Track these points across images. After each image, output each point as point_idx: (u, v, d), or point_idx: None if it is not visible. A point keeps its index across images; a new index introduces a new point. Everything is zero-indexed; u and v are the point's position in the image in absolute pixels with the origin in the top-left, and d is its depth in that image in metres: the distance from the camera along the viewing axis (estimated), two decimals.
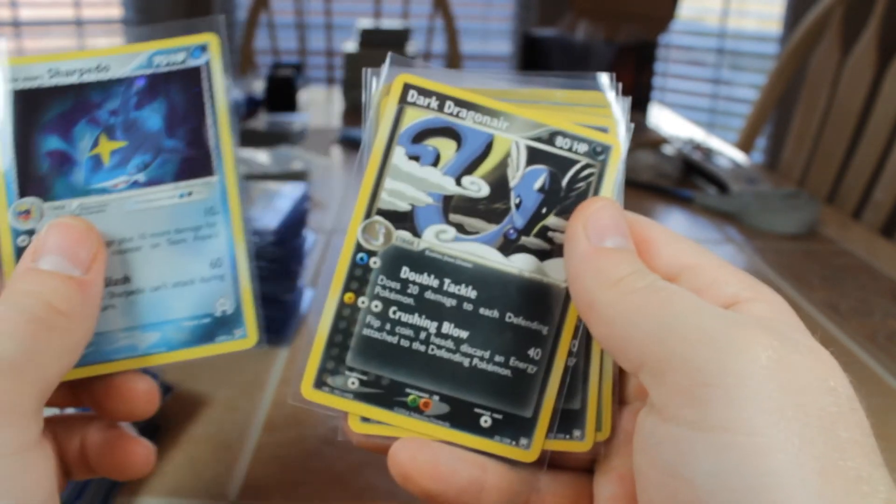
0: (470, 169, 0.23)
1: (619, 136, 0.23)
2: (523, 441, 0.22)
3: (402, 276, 0.22)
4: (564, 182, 0.23)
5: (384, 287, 0.22)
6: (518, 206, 0.23)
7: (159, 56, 0.23)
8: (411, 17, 2.02)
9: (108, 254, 0.22)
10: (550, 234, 0.23)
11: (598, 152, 0.23)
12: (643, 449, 0.19)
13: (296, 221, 0.61)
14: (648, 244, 0.22)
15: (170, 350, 0.23)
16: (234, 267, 0.23)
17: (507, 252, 0.23)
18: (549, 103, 0.23)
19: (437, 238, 0.22)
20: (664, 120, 1.48)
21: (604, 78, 0.23)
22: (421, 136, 0.23)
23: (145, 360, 0.23)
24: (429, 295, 0.22)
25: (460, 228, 0.22)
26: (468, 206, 0.23)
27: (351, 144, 1.20)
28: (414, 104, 0.23)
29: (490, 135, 0.22)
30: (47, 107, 0.23)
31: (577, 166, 0.23)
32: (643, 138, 1.11)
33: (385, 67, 0.23)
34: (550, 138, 0.22)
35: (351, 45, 1.49)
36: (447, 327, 0.22)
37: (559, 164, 0.23)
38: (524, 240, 0.23)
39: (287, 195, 0.62)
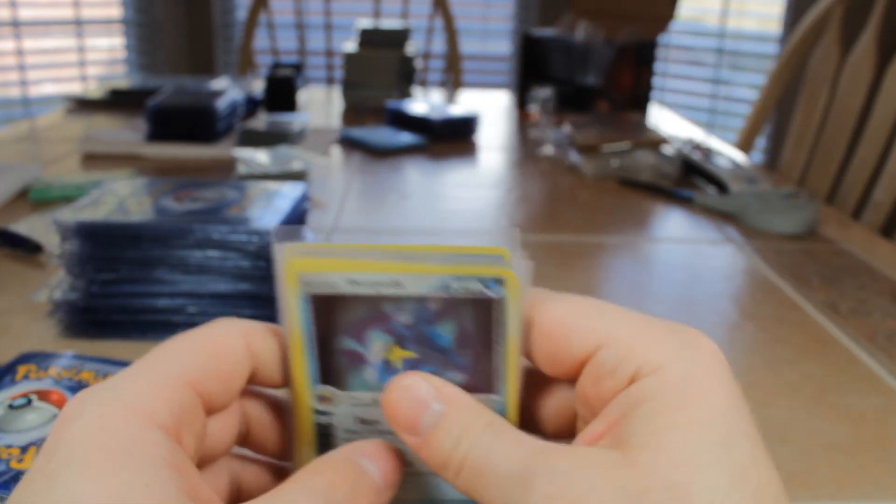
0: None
1: (514, 267, 0.24)
2: None
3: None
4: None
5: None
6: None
7: (455, 282, 0.24)
8: (411, 17, 2.02)
9: (393, 441, 0.25)
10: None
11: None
12: None
13: (295, 221, 0.61)
14: (562, 329, 0.24)
15: None
16: None
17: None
18: (445, 255, 0.24)
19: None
20: (664, 120, 1.48)
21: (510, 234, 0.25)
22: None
23: None
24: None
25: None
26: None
27: (351, 144, 1.20)
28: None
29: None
30: (345, 312, 0.24)
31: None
32: (643, 138, 1.11)
33: (279, 248, 0.24)
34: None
35: (351, 45, 1.49)
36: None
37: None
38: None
39: (287, 195, 0.62)
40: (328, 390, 0.25)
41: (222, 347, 0.24)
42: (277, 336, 0.25)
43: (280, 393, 0.27)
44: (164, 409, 0.22)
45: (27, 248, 0.70)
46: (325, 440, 0.25)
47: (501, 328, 0.24)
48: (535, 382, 0.26)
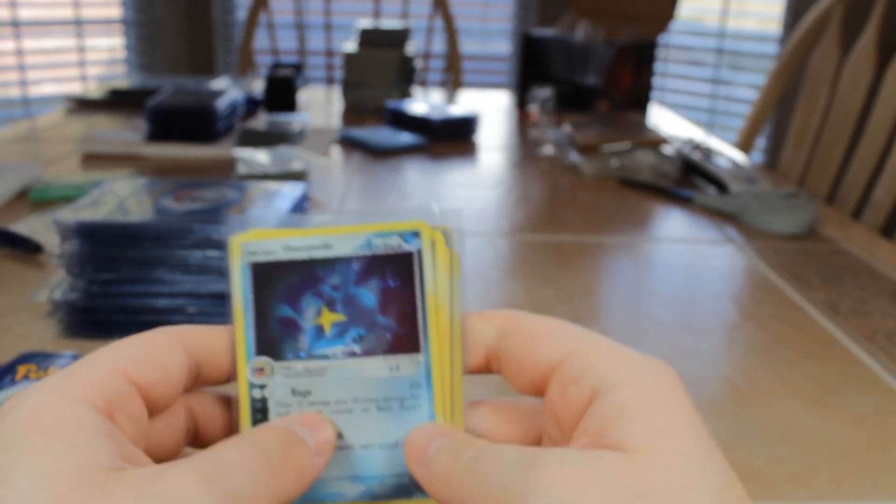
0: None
1: (431, 222, 0.26)
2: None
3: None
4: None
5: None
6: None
7: (377, 239, 0.26)
8: (411, 17, 2.02)
9: (327, 412, 0.26)
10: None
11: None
12: None
13: None
14: (533, 340, 0.26)
15: (372, 500, 0.26)
16: None
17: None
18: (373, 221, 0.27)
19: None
20: (664, 120, 1.48)
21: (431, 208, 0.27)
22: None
23: None
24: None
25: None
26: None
27: (351, 144, 1.20)
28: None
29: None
30: (280, 278, 0.26)
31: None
32: (643, 138, 1.11)
33: (228, 232, 0.27)
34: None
35: (350, 45, 1.49)
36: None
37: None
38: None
39: (286, 195, 0.62)
40: (263, 361, 0.26)
41: (155, 342, 0.25)
42: (222, 335, 0.27)
43: (226, 388, 0.28)
44: (94, 392, 0.23)
45: (27, 248, 0.70)
46: (260, 415, 0.26)
47: (422, 283, 0.26)
48: (497, 414, 0.27)
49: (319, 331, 0.26)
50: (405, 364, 0.26)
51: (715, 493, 0.20)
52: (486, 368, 0.27)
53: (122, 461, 0.21)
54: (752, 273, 0.75)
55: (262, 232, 0.26)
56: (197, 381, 0.26)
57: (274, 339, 0.26)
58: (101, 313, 0.56)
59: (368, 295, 0.26)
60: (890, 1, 1.17)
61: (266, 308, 0.26)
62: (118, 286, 0.55)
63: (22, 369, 0.46)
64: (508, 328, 0.26)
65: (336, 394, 0.26)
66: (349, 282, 0.26)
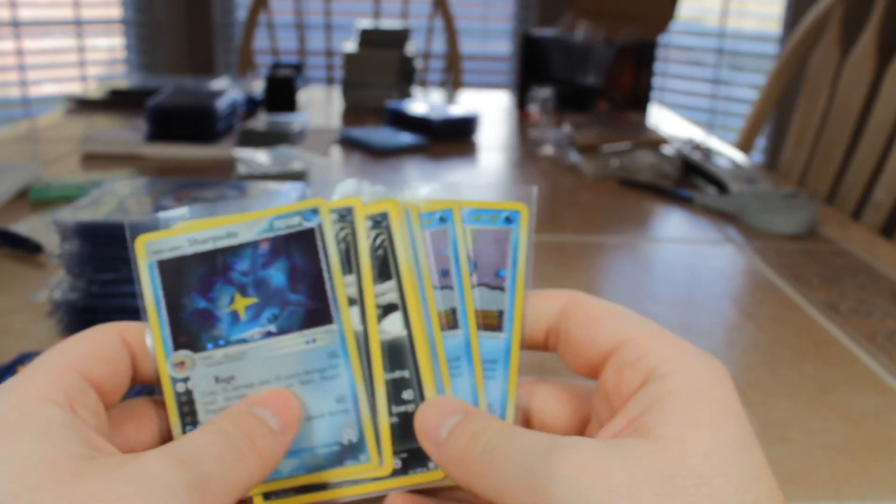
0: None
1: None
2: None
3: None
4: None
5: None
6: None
7: (278, 220, 0.27)
8: (411, 17, 2.02)
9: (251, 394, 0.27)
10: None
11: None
12: None
13: None
14: (594, 322, 0.26)
15: (307, 473, 0.27)
16: (356, 401, 0.27)
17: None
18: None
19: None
20: (664, 120, 1.48)
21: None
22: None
23: (288, 482, 0.27)
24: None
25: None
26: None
27: (351, 144, 1.20)
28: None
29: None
30: (189, 271, 0.27)
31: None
32: (643, 138, 1.11)
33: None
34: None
35: (351, 45, 1.49)
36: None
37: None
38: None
39: (286, 195, 0.62)
40: (182, 355, 0.27)
41: (100, 338, 0.26)
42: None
43: None
44: (54, 390, 0.23)
45: (27, 248, 0.70)
46: (187, 408, 0.26)
47: (326, 256, 0.27)
48: (549, 392, 0.28)
49: (234, 316, 0.27)
50: (321, 336, 0.27)
51: (743, 483, 0.21)
52: (545, 346, 0.28)
53: (92, 450, 0.22)
54: (752, 273, 0.75)
55: (171, 230, 0.27)
56: (135, 376, 0.27)
57: (191, 332, 0.27)
58: (101, 313, 0.56)
59: (277, 275, 0.27)
60: (890, 1, 1.17)
61: (179, 303, 0.27)
62: (118, 286, 0.55)
63: (22, 370, 0.46)
64: (570, 309, 0.27)
65: (259, 375, 0.27)
66: (257, 265, 0.27)
